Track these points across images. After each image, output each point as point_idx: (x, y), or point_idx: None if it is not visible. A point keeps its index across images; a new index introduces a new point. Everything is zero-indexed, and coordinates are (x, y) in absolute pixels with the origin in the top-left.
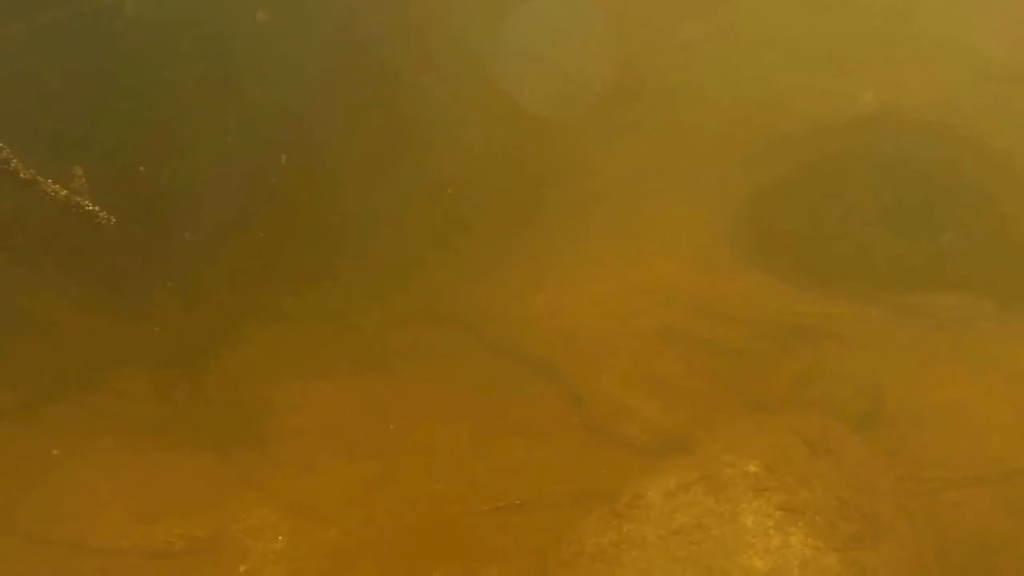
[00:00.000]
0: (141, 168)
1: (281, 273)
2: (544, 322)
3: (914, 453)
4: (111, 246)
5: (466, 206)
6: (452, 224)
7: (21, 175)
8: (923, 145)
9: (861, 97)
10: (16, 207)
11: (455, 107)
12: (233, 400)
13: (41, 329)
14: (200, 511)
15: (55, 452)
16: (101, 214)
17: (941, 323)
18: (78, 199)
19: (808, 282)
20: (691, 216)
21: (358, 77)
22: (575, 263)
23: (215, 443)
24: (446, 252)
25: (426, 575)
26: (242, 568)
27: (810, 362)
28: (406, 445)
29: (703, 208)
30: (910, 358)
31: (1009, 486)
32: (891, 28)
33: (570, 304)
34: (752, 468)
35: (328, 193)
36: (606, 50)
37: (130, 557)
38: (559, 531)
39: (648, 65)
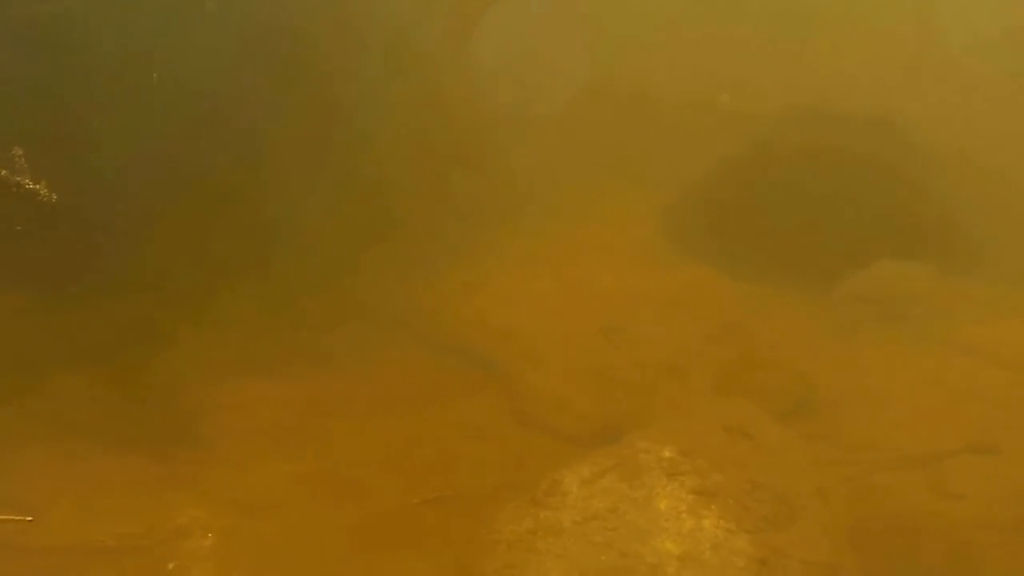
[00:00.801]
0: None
1: (216, 272)
2: (483, 319)
3: (842, 437)
4: (39, 243)
5: (405, 203)
6: (390, 222)
7: None
8: (853, 135)
9: (794, 90)
10: None
11: (391, 103)
12: (169, 400)
13: None
14: (134, 510)
15: None
16: (42, 192)
17: (873, 310)
18: (18, 179)
19: (744, 273)
20: (630, 211)
21: (293, 77)
22: (515, 260)
23: (151, 443)
24: (384, 250)
25: (351, 568)
26: (171, 565)
27: (742, 351)
28: (342, 442)
29: (642, 203)
30: (842, 345)
31: (935, 467)
32: (824, 22)
33: (510, 300)
34: (667, 453)
35: (264, 190)
36: (542, 47)
37: (64, 556)
38: (481, 521)
39: (586, 62)
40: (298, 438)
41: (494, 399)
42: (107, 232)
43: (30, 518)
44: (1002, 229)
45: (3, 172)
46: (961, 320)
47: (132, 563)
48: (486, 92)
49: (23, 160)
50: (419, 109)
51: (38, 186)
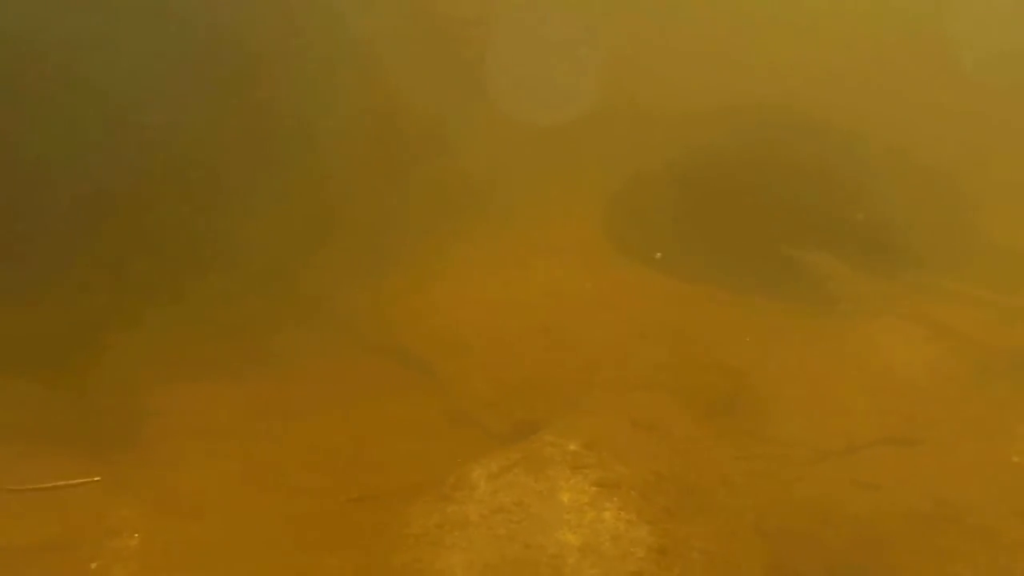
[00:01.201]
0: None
1: (157, 274)
2: (422, 319)
3: (765, 432)
4: None
5: (350, 206)
6: (334, 224)
7: None
8: (789, 137)
9: (732, 92)
10: None
11: (336, 106)
12: (108, 403)
13: None
14: (65, 510)
15: None
16: None
17: (804, 309)
18: None
19: (682, 273)
20: (573, 212)
21: (234, 78)
22: (458, 261)
23: (88, 445)
24: (328, 252)
25: (265, 568)
26: (93, 565)
27: (672, 349)
28: (274, 443)
29: (585, 205)
30: (771, 343)
31: (852, 459)
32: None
33: (450, 301)
34: (572, 447)
35: (205, 193)
36: (486, 49)
37: None
38: (395, 516)
39: (530, 65)
40: (231, 439)
41: (426, 398)
42: (47, 234)
43: (97, 478)
44: (931, 227)
45: None
46: (888, 317)
47: (56, 561)
48: (431, 95)
49: None
50: (363, 112)
51: None
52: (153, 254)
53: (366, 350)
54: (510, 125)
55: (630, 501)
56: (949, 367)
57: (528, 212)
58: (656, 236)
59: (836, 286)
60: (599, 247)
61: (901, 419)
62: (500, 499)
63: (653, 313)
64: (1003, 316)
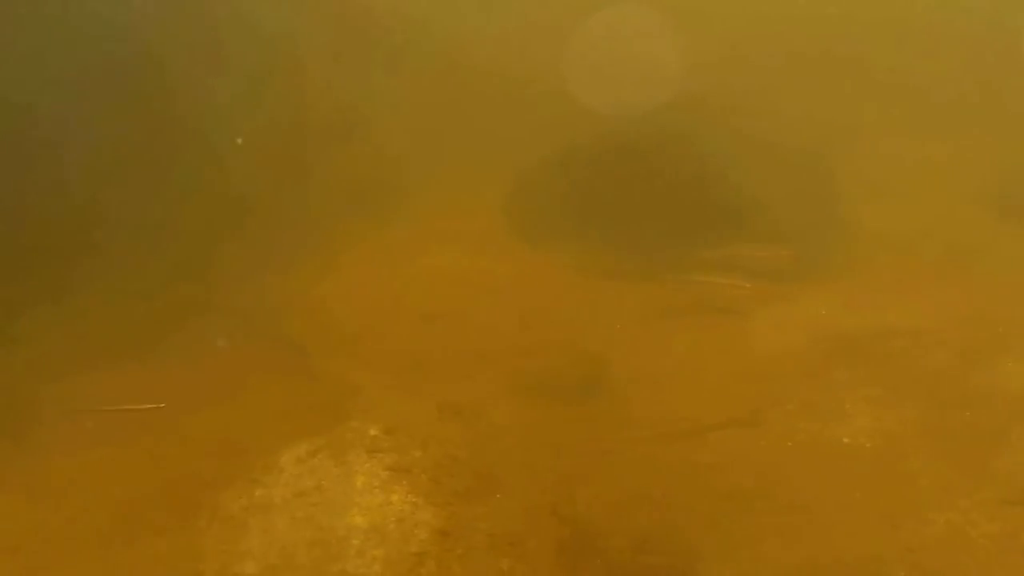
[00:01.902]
0: None
1: (56, 265)
2: (317, 308)
3: (615, 415)
4: None
5: (257, 199)
6: (242, 218)
7: None
8: (676, 125)
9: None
10: None
11: (240, 103)
12: (4, 396)
13: None
14: None
15: None
16: None
17: (678, 294)
18: None
19: (570, 260)
20: (476, 201)
21: (141, 77)
22: (361, 251)
23: None
24: (235, 245)
25: (97, 550)
26: None
27: (543, 335)
28: (149, 432)
29: (487, 193)
30: (642, 328)
31: (697, 442)
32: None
33: (348, 291)
34: (373, 432)
35: (112, 188)
36: (388, 37)
37: None
38: (211, 500)
39: (438, 55)
40: (112, 428)
41: (299, 384)
42: None
43: (163, 404)
44: (800, 217)
45: None
46: (752, 306)
47: None
48: (339, 87)
49: None
50: (268, 107)
51: None
52: (56, 248)
53: (261, 338)
54: (424, 116)
55: (419, 485)
56: (798, 353)
57: (426, 203)
58: (550, 224)
59: (709, 275)
60: (498, 234)
61: (748, 403)
62: (303, 483)
63: (536, 300)
64: (849, 303)
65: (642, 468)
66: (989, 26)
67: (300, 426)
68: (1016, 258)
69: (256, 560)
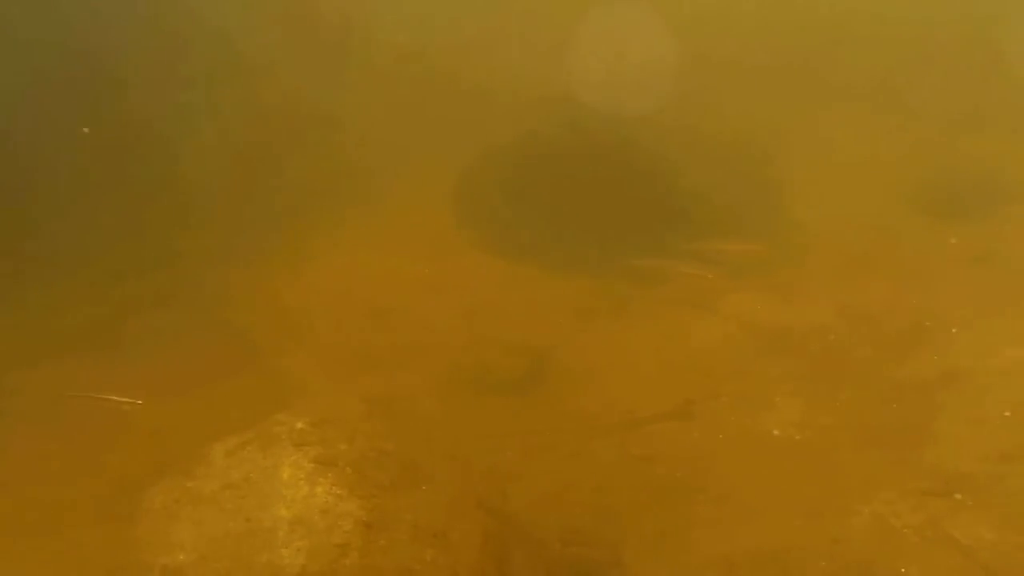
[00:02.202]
0: None
1: (9, 258)
2: (272, 304)
3: (554, 408)
4: None
5: (214, 200)
6: (204, 215)
7: None
8: (615, 123)
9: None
10: None
11: (201, 102)
12: None
13: None
14: None
15: None
16: None
17: (615, 290)
18: None
19: (515, 256)
20: (425, 200)
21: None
22: (317, 249)
23: None
24: (198, 240)
25: (37, 543)
26: None
27: (485, 331)
28: (100, 423)
29: (442, 193)
30: (583, 323)
31: (634, 434)
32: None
33: (303, 287)
34: (300, 425)
35: (76, 180)
36: (335, 39)
37: None
38: (146, 492)
39: (388, 59)
40: (59, 421)
41: (249, 379)
42: None
43: (140, 401)
44: (736, 210)
45: None
46: (690, 300)
47: None
48: (296, 89)
49: None
50: (228, 106)
51: None
52: (20, 242)
53: (217, 331)
54: (370, 120)
55: (344, 477)
56: (733, 347)
57: (383, 201)
58: (497, 222)
59: (648, 270)
60: (445, 234)
61: (682, 396)
62: (232, 475)
63: (482, 297)
64: (785, 297)
65: (574, 461)
66: (926, 30)
67: (235, 419)
68: (943, 254)
69: (186, 551)
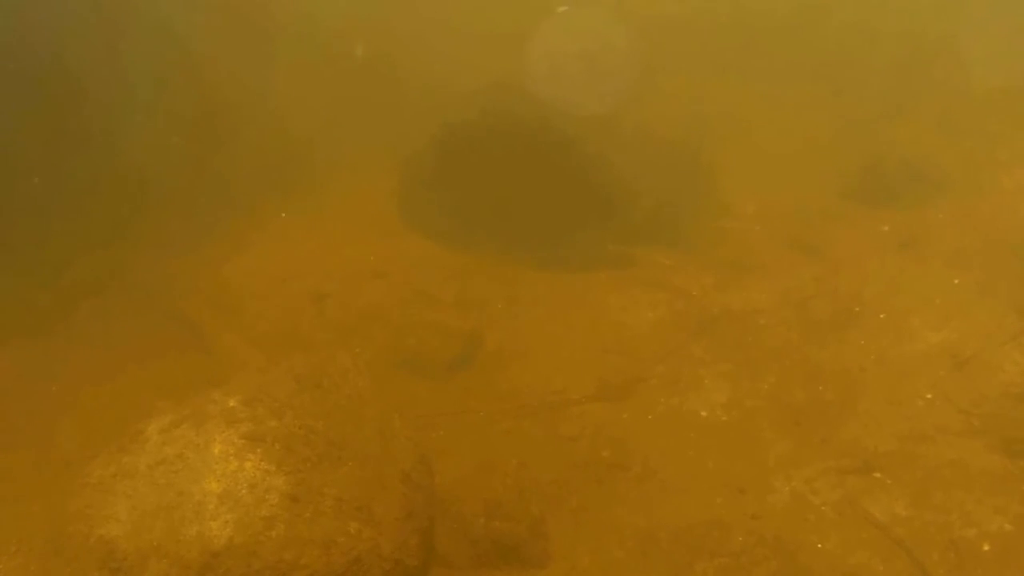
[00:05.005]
0: None
1: None
2: (215, 288)
3: (485, 389)
4: None
5: (159, 184)
6: (150, 200)
7: None
8: (552, 114)
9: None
10: None
11: (148, 89)
12: None
13: None
14: None
15: None
16: None
17: (552, 273)
18: None
19: (457, 241)
20: (373, 189)
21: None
22: (263, 235)
23: None
24: (143, 226)
25: None
26: None
27: (422, 315)
28: (44, 405)
29: (384, 181)
30: (516, 307)
31: (564, 414)
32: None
33: (246, 272)
34: (232, 403)
35: (20, 166)
36: (276, 30)
37: None
38: (82, 467)
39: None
40: (12, 404)
41: (193, 360)
42: None
43: None
44: (670, 195)
45: None
46: (625, 281)
47: None
48: (237, 77)
49: None
50: (169, 94)
51: None
52: None
53: (158, 315)
54: (313, 109)
55: (272, 453)
56: (666, 328)
57: (326, 188)
58: (440, 211)
59: (585, 252)
60: (387, 220)
61: (613, 378)
62: (166, 451)
63: (421, 282)
64: (717, 283)
65: (502, 440)
66: (860, 18)
67: (172, 397)
68: (874, 241)
69: (120, 523)
